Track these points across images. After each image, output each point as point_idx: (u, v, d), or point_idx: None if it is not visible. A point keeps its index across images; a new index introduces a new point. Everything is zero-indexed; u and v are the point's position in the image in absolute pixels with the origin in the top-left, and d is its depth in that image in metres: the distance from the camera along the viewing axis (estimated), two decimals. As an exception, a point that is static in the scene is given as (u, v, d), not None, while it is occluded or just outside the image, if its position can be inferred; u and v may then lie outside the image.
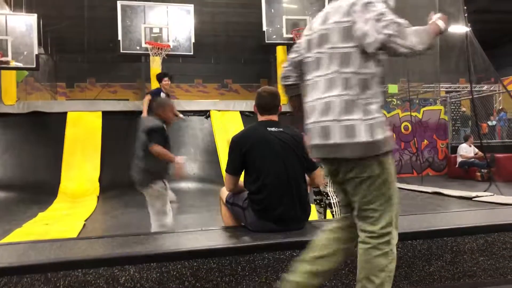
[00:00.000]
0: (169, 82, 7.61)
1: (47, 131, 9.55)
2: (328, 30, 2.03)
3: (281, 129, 2.97)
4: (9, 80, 9.71)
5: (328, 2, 2.19)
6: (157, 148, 3.38)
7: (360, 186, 1.99)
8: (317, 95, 2.05)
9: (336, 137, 1.95)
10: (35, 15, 9.30)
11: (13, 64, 8.96)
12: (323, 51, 2.05)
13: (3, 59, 8.74)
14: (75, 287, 2.27)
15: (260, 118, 3.07)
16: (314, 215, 4.48)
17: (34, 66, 9.17)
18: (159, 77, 7.68)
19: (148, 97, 7.63)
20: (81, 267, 2.30)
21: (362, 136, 1.90)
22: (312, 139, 2.09)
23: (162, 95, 7.36)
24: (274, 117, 3.06)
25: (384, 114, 10.76)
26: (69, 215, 6.51)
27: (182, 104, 11.03)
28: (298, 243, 2.61)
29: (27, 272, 2.24)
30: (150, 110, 7.26)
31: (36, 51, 9.14)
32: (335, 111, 1.95)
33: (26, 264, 2.28)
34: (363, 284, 2.01)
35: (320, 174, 3.27)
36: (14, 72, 9.70)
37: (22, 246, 2.69)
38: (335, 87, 1.97)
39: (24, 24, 9.17)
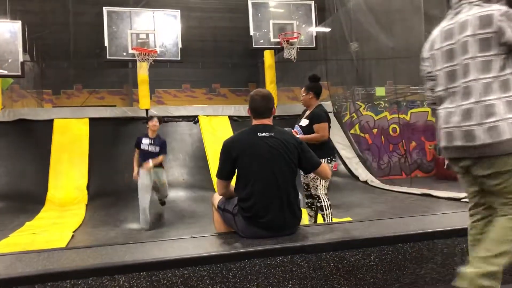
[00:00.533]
0: (158, 124, 6.45)
1: (33, 139, 9.44)
2: (457, 44, 2.24)
3: (271, 134, 2.95)
4: (-6, 88, 9.60)
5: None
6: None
7: (499, 178, 2.16)
8: (455, 103, 2.26)
9: (481, 139, 2.13)
10: (19, 22, 9.21)
11: (-2, 72, 8.85)
12: (455, 63, 2.26)
13: (-13, 66, 8.63)
14: (63, 298, 2.23)
15: (254, 122, 3.05)
16: (306, 220, 4.47)
17: (19, 73, 9.06)
18: (146, 120, 6.73)
19: (136, 153, 6.46)
20: (69, 278, 2.26)
21: (507, 134, 2.08)
22: (452, 141, 2.27)
23: (145, 140, 6.35)
24: (268, 121, 3.03)
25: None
26: (57, 224, 6.43)
27: (170, 109, 11.00)
28: (289, 249, 2.60)
29: (14, 285, 2.19)
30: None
31: (21, 58, 9.03)
32: (477, 115, 2.15)
33: (13, 277, 2.23)
34: (488, 246, 2.13)
35: (327, 166, 3.27)
36: (-1, 80, 9.60)
37: (8, 258, 2.63)
38: (474, 94, 2.16)
39: (9, 31, 9.07)
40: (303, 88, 4.57)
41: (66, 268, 2.35)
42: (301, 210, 3.03)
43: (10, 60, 8.90)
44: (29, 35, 11.67)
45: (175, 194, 8.14)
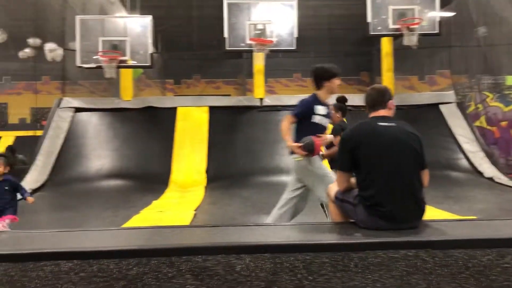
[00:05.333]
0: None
1: (159, 125, 10.26)
2: None
3: (393, 124, 2.89)
4: (127, 78, 10.59)
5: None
6: None
7: None
8: None
9: None
10: (150, 17, 9.95)
11: (131, 63, 9.72)
12: None
13: (122, 58, 9.50)
14: (196, 272, 2.41)
15: (371, 114, 3.01)
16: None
17: (149, 64, 9.85)
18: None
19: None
20: (201, 253, 2.43)
21: None
22: None
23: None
24: (385, 112, 2.97)
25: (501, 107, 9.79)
26: (180, 204, 6.95)
27: (283, 99, 11.15)
28: (414, 243, 2.51)
29: (155, 255, 2.42)
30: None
31: (150, 50, 9.80)
32: None
33: (154, 248, 2.48)
34: None
35: (428, 175, 3.08)
36: (131, 70, 10.55)
37: (147, 231, 2.92)
38: None
39: (140, 25, 9.88)
40: (333, 107, 4.91)
41: (199, 244, 2.55)
42: (425, 203, 2.91)
43: (141, 52, 9.71)
44: (155, 29, 12.66)
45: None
